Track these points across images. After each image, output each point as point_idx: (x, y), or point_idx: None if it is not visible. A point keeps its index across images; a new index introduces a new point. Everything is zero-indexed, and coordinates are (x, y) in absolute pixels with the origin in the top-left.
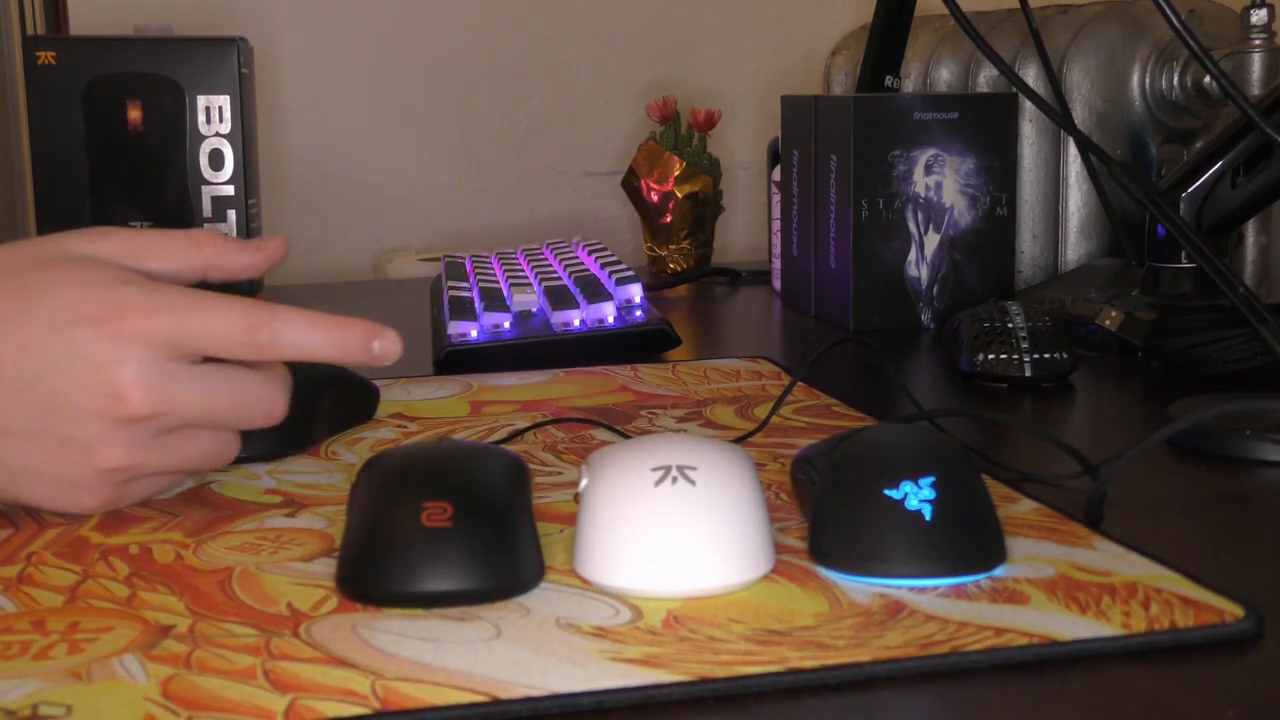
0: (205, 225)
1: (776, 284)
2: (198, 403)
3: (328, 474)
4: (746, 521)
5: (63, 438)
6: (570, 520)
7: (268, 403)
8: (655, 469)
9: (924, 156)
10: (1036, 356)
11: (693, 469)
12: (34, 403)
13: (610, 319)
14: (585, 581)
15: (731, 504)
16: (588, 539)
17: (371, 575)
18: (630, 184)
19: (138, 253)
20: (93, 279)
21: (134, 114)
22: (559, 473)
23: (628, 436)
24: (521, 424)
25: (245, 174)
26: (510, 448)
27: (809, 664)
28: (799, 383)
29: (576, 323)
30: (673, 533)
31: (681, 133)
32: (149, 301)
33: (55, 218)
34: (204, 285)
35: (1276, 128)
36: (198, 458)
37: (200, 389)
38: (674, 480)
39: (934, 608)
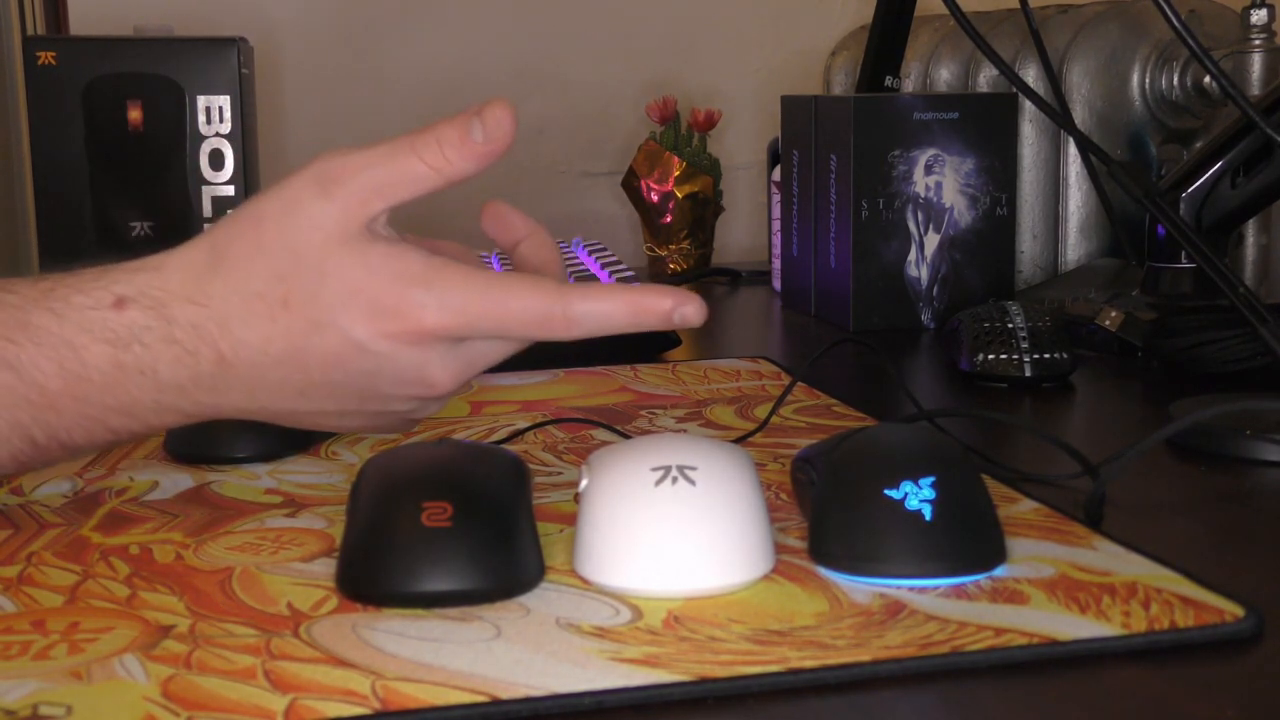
0: (206, 226)
1: (776, 284)
2: (498, 357)
3: (328, 474)
4: (746, 521)
5: (380, 413)
6: (570, 520)
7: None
8: (655, 469)
9: (924, 156)
10: (1036, 356)
11: (693, 469)
12: (348, 396)
13: None
14: (585, 581)
15: (731, 504)
16: (588, 539)
17: (371, 575)
18: (630, 184)
19: (379, 197)
20: (375, 285)
21: (134, 114)
22: (559, 473)
23: (628, 436)
24: (521, 424)
25: (245, 174)
26: (510, 448)
27: (809, 664)
28: (799, 383)
29: None
30: (673, 533)
31: (681, 133)
32: (439, 303)
33: (55, 218)
34: None
35: (1276, 128)
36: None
37: (498, 348)
38: (674, 480)
39: (934, 608)
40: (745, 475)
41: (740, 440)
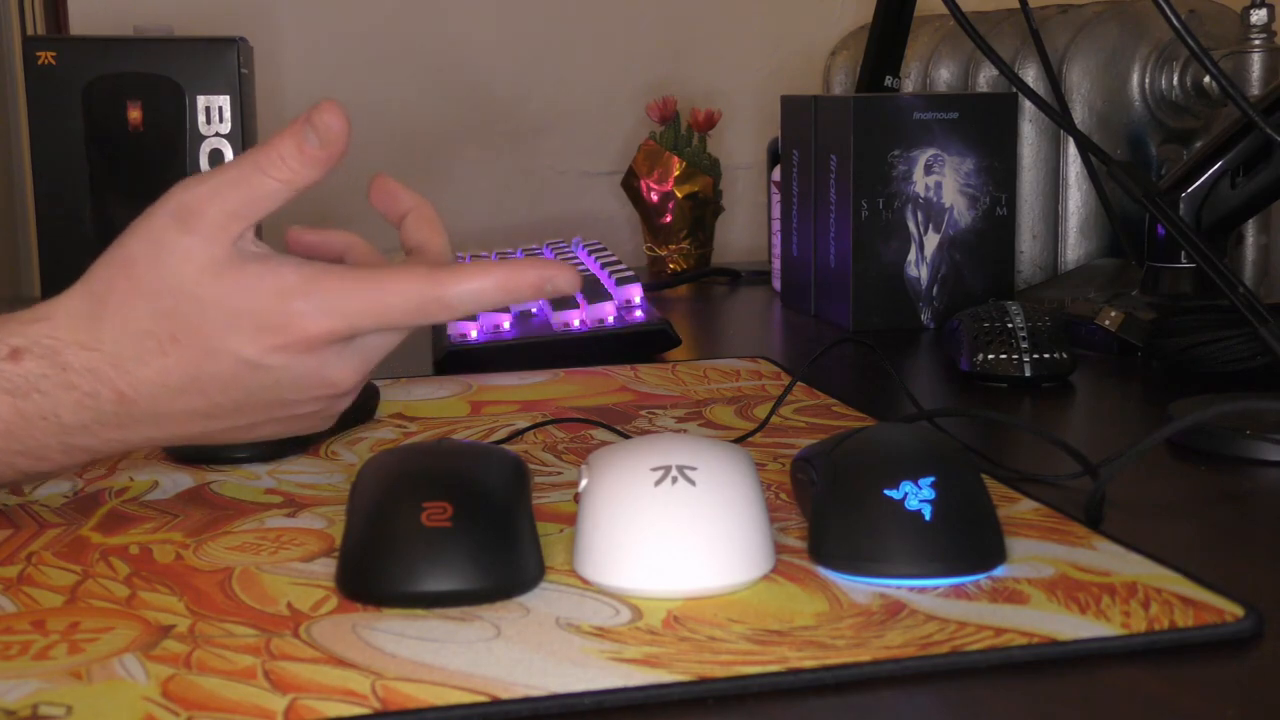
0: None
1: (776, 284)
2: (394, 343)
3: (328, 474)
4: (746, 521)
5: (287, 418)
6: (570, 520)
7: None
8: (655, 469)
9: (924, 156)
10: (1036, 356)
11: (693, 469)
12: (255, 407)
13: (610, 319)
14: (585, 581)
15: (731, 504)
16: (588, 539)
17: (371, 575)
18: (630, 184)
19: (237, 220)
20: (255, 305)
21: (134, 114)
22: (559, 473)
23: (628, 436)
24: (521, 424)
25: None
26: (510, 448)
27: (809, 664)
28: (799, 383)
29: (576, 323)
30: (673, 533)
31: (681, 133)
32: (318, 309)
33: (55, 218)
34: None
35: (1276, 128)
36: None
37: (392, 336)
38: (674, 480)
39: (934, 608)
40: (745, 475)
41: (740, 440)
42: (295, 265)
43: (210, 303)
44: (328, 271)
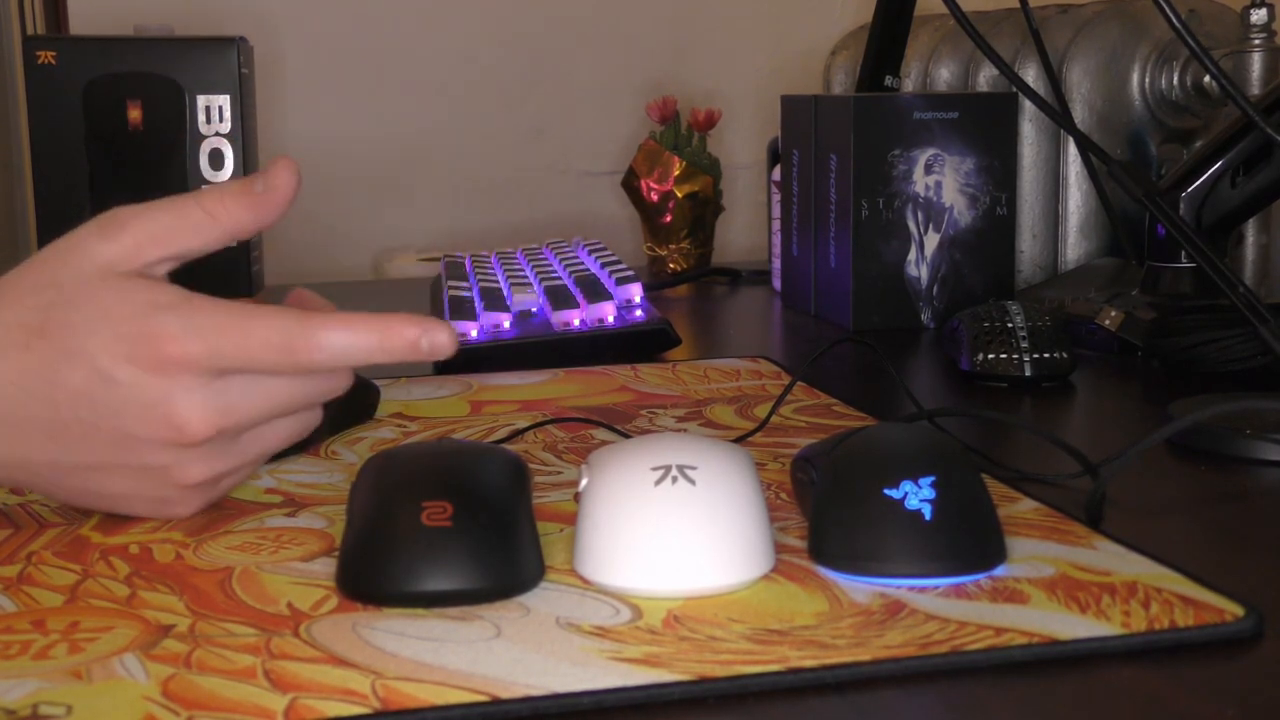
0: None
1: (776, 284)
2: (259, 407)
3: (328, 474)
4: (746, 521)
5: (139, 466)
6: (570, 520)
7: (331, 381)
8: (655, 469)
9: (924, 156)
10: (1036, 356)
11: (693, 469)
12: (101, 440)
13: (610, 319)
14: (585, 581)
15: (731, 504)
16: (588, 539)
17: (372, 575)
18: (630, 184)
19: (156, 244)
20: (125, 311)
21: (134, 114)
22: (559, 473)
23: (628, 436)
24: (521, 424)
25: (245, 174)
26: (510, 447)
27: (809, 664)
28: (799, 382)
29: (576, 323)
30: (673, 533)
31: (681, 132)
32: (182, 326)
33: (55, 218)
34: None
35: (1276, 128)
36: (279, 442)
37: (257, 393)
38: (674, 480)
39: (934, 607)
40: (745, 475)
41: (740, 440)
42: (177, 289)
43: (85, 301)
44: (208, 298)
